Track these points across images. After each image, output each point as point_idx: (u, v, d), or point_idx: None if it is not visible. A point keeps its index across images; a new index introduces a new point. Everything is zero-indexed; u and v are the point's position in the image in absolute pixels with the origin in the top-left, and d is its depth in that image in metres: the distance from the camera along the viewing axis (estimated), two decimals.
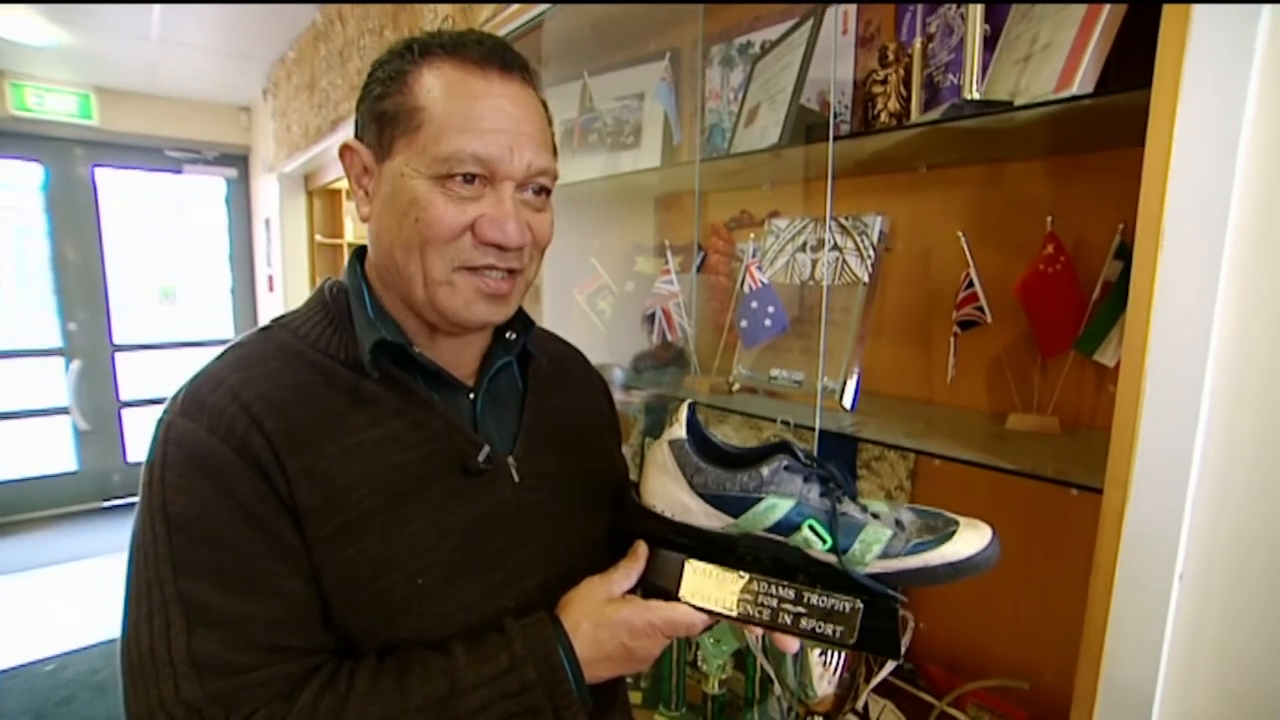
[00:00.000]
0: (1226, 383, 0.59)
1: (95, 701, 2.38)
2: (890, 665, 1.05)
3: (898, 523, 0.58)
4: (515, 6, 1.51)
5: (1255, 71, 0.54)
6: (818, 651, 1.11)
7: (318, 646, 0.56)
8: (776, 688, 1.18)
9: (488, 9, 1.63)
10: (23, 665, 2.59)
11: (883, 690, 1.10)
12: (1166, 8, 0.58)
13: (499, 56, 0.61)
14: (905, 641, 1.06)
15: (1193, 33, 0.56)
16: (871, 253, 1.10)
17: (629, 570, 0.63)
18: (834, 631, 0.58)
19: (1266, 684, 0.58)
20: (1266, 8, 0.53)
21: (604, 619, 0.59)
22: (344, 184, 3.71)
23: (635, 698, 1.36)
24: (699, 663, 1.29)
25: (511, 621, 0.59)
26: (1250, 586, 0.59)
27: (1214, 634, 0.61)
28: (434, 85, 0.59)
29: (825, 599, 0.58)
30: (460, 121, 0.58)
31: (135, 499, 0.56)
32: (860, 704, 1.10)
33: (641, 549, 0.64)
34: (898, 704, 1.11)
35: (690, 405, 0.64)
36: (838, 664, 1.13)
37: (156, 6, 2.73)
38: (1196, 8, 0.56)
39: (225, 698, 0.50)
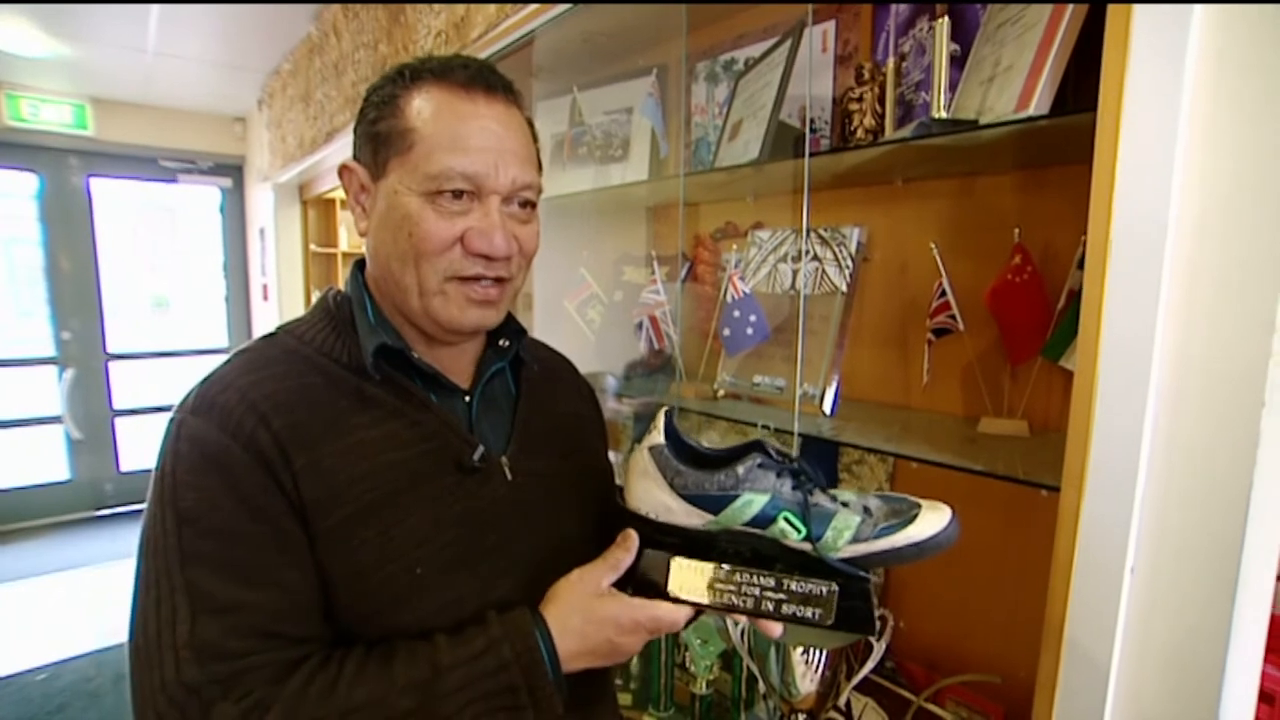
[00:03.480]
0: (1170, 387, 0.63)
1: (89, 710, 2.38)
2: (871, 664, 1.08)
3: (865, 509, 0.62)
4: (509, 22, 1.55)
5: (1186, 97, 0.58)
6: (800, 650, 1.14)
7: (312, 636, 0.59)
8: (762, 687, 1.21)
9: (481, 25, 1.67)
10: (15, 674, 2.59)
11: (864, 688, 1.12)
12: (1108, 37, 0.62)
13: (484, 79, 0.65)
14: (885, 640, 1.11)
15: (1131, 60, 0.61)
16: (850, 263, 1.14)
17: (616, 562, 0.65)
18: (813, 614, 0.62)
19: (1207, 666, 0.62)
20: (1194, 38, 0.57)
21: (592, 615, 0.62)
22: (338, 194, 3.75)
23: (625, 699, 1.38)
24: (687, 664, 1.32)
25: (493, 614, 0.62)
26: (1193, 579, 0.63)
27: (1162, 622, 0.65)
28: (424, 108, 0.63)
29: (803, 584, 0.62)
30: (449, 141, 0.62)
31: (128, 508, 0.59)
32: (842, 701, 1.12)
33: (631, 539, 0.65)
34: (878, 701, 1.14)
35: (667, 412, 0.68)
36: (820, 662, 1.16)
37: (153, 15, 2.76)
38: (1135, 38, 0.60)
39: (223, 680, 0.53)
